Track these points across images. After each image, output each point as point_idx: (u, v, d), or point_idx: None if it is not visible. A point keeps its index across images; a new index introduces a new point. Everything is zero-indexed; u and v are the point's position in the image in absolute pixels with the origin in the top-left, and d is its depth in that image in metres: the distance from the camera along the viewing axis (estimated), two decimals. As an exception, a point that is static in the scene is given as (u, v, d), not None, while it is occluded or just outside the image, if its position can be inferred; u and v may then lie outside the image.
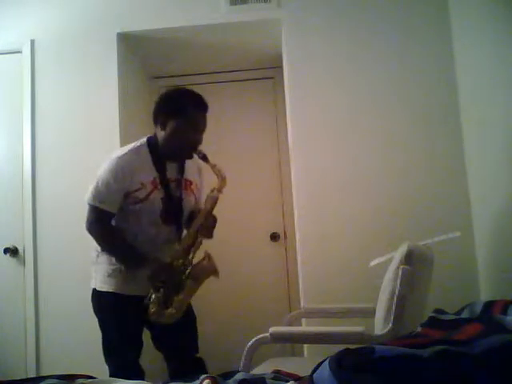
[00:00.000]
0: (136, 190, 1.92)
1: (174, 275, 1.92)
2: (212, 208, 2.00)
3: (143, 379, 1.81)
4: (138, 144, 2.02)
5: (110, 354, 1.99)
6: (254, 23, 2.89)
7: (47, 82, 2.91)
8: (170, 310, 1.90)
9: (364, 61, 2.75)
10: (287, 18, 2.82)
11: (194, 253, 1.98)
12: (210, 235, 2.02)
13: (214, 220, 2.03)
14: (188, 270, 1.94)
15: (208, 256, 1.97)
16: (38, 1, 2.96)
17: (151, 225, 1.97)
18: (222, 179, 2.01)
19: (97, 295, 2.00)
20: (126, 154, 1.96)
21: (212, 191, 2.01)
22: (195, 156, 2.05)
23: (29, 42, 2.91)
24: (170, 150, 1.99)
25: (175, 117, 1.96)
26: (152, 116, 2.04)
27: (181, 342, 2.05)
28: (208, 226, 2.00)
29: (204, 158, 2.01)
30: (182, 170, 2.06)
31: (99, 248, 1.99)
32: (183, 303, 1.93)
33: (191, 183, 2.09)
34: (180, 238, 2.03)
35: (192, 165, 2.11)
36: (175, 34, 2.96)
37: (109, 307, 1.97)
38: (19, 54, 2.93)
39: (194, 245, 1.97)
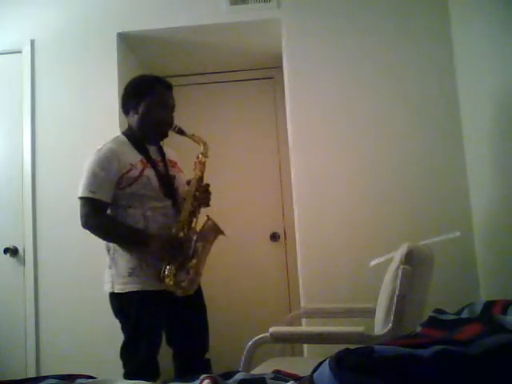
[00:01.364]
0: (128, 172, 1.96)
1: (181, 244, 1.96)
2: (202, 173, 2.06)
3: (154, 380, 1.82)
4: (115, 137, 2.10)
5: (130, 354, 1.95)
6: (253, 23, 2.89)
7: (47, 82, 2.91)
8: (188, 277, 1.96)
9: (363, 61, 2.75)
10: (287, 18, 2.82)
11: (196, 220, 2.04)
12: (206, 201, 2.08)
13: (207, 186, 2.08)
14: (195, 237, 2.00)
15: (209, 218, 2.05)
16: (38, 1, 2.96)
17: (157, 201, 2.00)
18: (204, 144, 2.09)
19: (117, 298, 1.96)
20: (105, 145, 2.02)
21: (198, 157, 2.08)
22: (173, 152, 2.18)
23: (29, 42, 2.91)
24: (146, 130, 2.07)
25: (145, 97, 2.05)
26: (122, 108, 2.13)
27: (193, 341, 2.07)
28: (202, 193, 2.05)
29: (180, 130, 2.09)
30: (162, 153, 2.13)
31: (111, 246, 1.98)
32: (198, 267, 1.99)
33: (176, 163, 2.17)
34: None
35: (172, 153, 2.21)
36: (175, 34, 2.96)
37: (133, 307, 1.93)
38: (19, 54, 2.93)
39: (194, 213, 2.03)
